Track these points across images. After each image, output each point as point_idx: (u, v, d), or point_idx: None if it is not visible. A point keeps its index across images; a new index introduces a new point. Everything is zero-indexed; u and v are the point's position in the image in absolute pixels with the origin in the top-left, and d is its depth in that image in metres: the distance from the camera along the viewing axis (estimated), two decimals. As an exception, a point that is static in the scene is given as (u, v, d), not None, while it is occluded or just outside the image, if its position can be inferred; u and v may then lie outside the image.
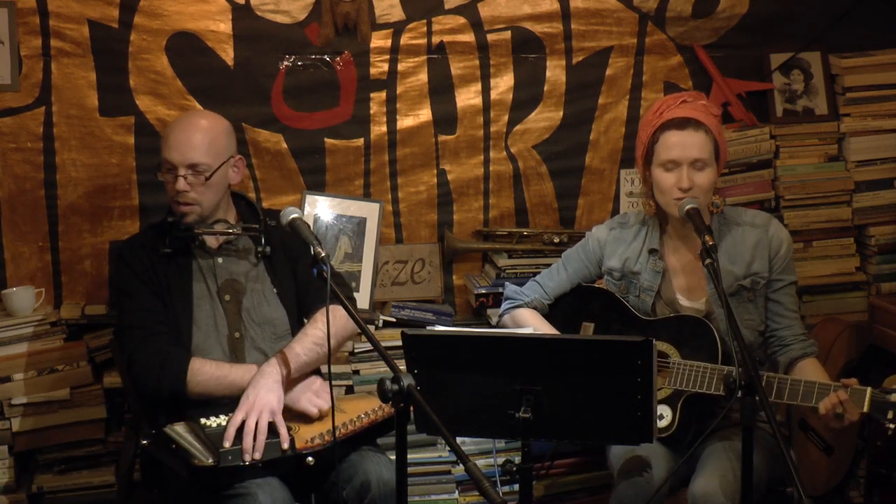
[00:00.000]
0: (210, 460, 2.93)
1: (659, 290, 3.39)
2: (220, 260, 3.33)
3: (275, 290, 3.35)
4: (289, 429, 3.04)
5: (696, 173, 3.25)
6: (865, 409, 3.04)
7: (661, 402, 3.24)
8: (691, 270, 3.38)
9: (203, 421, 3.04)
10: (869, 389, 3.05)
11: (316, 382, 3.21)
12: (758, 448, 3.15)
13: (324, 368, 3.26)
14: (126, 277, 3.29)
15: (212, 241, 3.33)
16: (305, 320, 3.33)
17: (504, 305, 3.62)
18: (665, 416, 3.23)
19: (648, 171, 3.34)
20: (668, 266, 3.40)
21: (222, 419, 3.03)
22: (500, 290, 3.96)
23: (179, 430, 3.04)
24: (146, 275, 3.26)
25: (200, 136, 3.26)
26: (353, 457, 3.13)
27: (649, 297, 3.38)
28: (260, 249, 3.31)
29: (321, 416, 3.11)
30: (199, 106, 3.91)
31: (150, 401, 3.23)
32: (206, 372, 3.14)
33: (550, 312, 3.56)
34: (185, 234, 3.27)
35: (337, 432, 2.99)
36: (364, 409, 3.18)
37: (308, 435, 3.05)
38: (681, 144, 3.26)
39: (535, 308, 3.55)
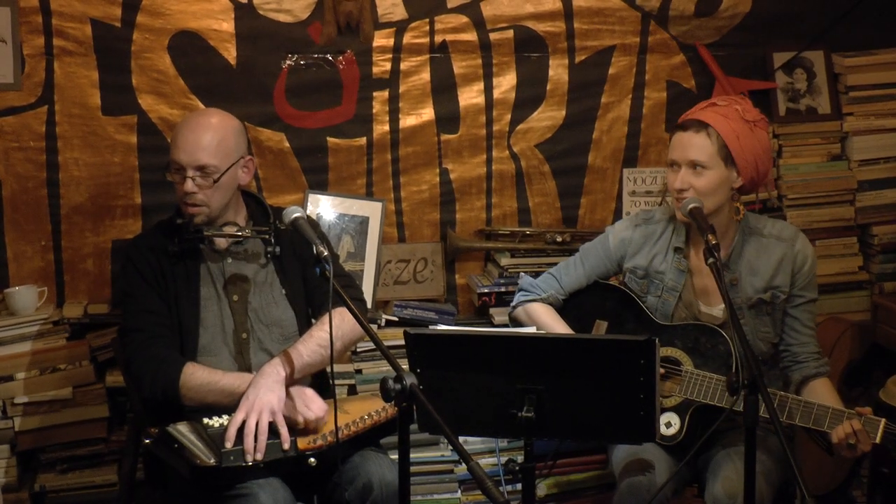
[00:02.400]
0: (212, 460, 2.93)
1: (680, 292, 3.36)
2: (228, 260, 3.31)
3: (283, 292, 3.33)
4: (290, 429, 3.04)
5: (694, 176, 3.23)
6: (878, 440, 3.02)
7: (671, 409, 3.23)
8: (711, 275, 3.35)
9: (206, 420, 3.04)
10: (883, 421, 3.02)
11: (306, 392, 3.14)
12: (767, 450, 3.15)
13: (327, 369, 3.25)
14: (131, 278, 3.27)
15: (221, 242, 3.31)
16: (314, 321, 3.32)
17: (518, 297, 3.59)
18: (673, 424, 3.22)
19: None
20: (691, 267, 3.37)
21: (224, 419, 3.03)
22: (503, 289, 3.97)
23: (182, 430, 3.04)
24: (151, 276, 3.24)
25: (209, 137, 3.20)
26: (354, 458, 3.12)
27: (672, 297, 3.34)
28: (269, 250, 3.27)
29: (307, 428, 3.08)
30: (201, 105, 3.91)
31: (149, 404, 3.23)
32: (197, 378, 3.12)
33: (564, 308, 3.53)
34: (195, 237, 3.24)
35: (340, 433, 2.99)
36: (367, 409, 3.18)
37: (311, 435, 3.05)
38: (681, 145, 3.25)
39: (550, 304, 3.53)
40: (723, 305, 3.32)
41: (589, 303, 3.51)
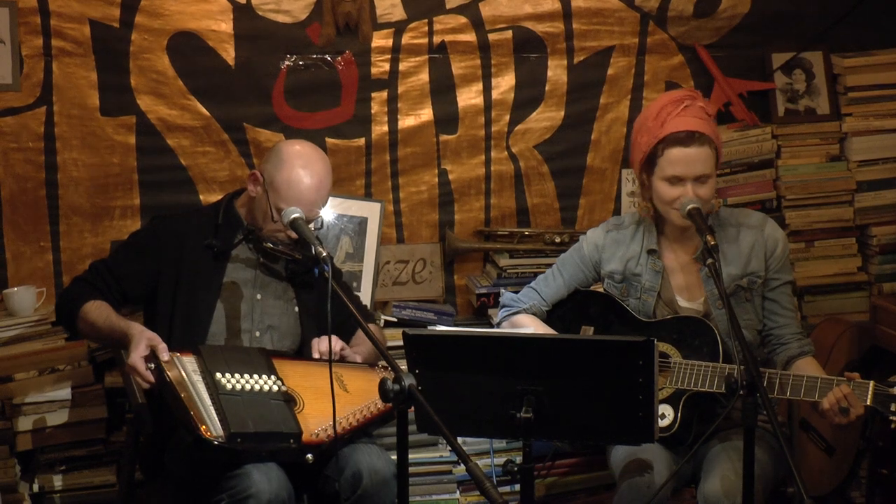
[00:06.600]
0: (217, 433, 2.91)
1: (659, 291, 3.38)
2: (259, 267, 3.36)
3: (296, 310, 3.39)
4: (294, 402, 3.05)
5: (700, 186, 3.24)
6: (868, 401, 3.04)
7: (663, 401, 3.24)
8: (688, 270, 3.37)
9: (218, 377, 3.01)
10: (872, 382, 3.05)
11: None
12: (763, 448, 3.15)
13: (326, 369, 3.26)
14: (132, 241, 3.42)
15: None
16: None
17: (501, 313, 3.58)
18: (666, 415, 3.23)
19: (647, 177, 3.32)
20: (667, 266, 3.39)
21: (237, 382, 3.02)
22: (502, 290, 3.96)
23: (197, 387, 3.00)
24: (152, 254, 3.31)
25: (326, 191, 3.32)
26: (344, 448, 3.13)
27: (651, 297, 3.37)
28: (290, 267, 3.35)
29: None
30: (199, 106, 3.92)
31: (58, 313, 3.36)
32: (98, 304, 3.24)
33: (548, 319, 3.54)
34: (257, 246, 3.32)
35: (339, 426, 2.98)
36: (368, 393, 3.16)
37: (314, 426, 3.04)
38: (685, 161, 3.23)
39: (533, 314, 3.53)
40: (702, 298, 3.35)
41: (572, 311, 3.51)
